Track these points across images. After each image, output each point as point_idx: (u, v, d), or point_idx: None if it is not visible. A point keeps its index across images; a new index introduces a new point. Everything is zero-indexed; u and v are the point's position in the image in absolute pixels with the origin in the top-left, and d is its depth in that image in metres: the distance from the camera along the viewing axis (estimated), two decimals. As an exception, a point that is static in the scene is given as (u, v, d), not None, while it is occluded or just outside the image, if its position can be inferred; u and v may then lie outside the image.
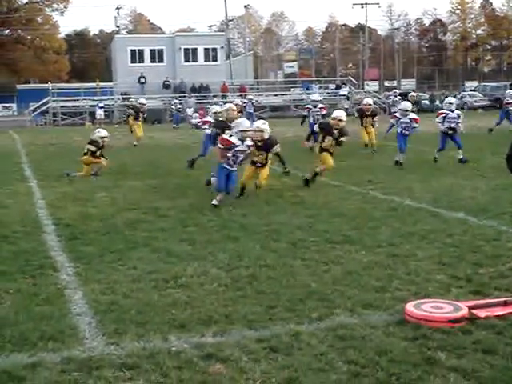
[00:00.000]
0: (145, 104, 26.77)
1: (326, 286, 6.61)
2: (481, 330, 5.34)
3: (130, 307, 6.02)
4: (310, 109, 22.20)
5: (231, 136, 11.36)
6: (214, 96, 52.20)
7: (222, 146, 11.30)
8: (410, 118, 16.68)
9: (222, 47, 57.16)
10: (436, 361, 4.77)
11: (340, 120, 12.81)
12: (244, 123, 11.53)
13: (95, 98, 49.78)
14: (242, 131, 11.32)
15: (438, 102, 53.33)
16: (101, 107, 46.47)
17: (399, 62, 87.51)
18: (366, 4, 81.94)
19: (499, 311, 5.70)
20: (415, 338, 5.19)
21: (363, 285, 6.65)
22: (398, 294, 6.35)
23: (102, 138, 16.29)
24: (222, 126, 13.01)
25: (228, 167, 11.28)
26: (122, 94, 51.06)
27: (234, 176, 11.46)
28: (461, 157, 16.43)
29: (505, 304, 5.83)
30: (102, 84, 56.66)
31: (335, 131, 12.81)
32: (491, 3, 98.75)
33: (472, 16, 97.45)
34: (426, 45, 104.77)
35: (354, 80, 62.01)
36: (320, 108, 22.31)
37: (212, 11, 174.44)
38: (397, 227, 9.27)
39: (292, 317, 5.72)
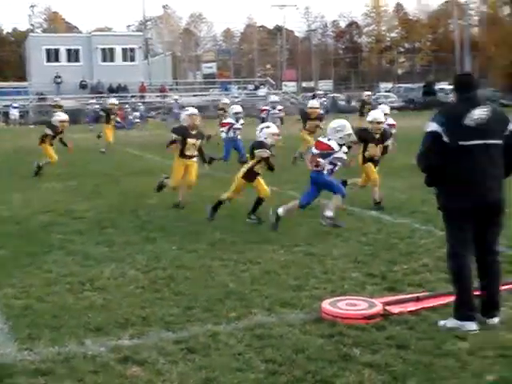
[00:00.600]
0: (116, 104, 24.21)
1: (244, 285, 6.65)
2: (394, 326, 5.47)
3: (44, 311, 5.90)
4: (269, 111, 20.87)
5: (330, 140, 9.39)
6: (132, 96, 51.74)
7: (317, 152, 9.39)
8: (388, 124, 14.94)
9: (140, 47, 56.79)
10: (351, 357, 4.85)
11: (379, 122, 11.05)
12: (347, 125, 9.56)
13: (9, 97, 48.55)
14: (348, 135, 9.49)
15: (354, 103, 54.41)
16: (15, 107, 45.38)
17: (316, 64, 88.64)
18: (283, 6, 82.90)
19: (412, 307, 5.85)
20: (331, 336, 5.27)
21: (281, 284, 6.71)
22: (315, 292, 6.43)
23: (62, 121, 15.81)
24: (183, 132, 11.32)
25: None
26: (37, 94, 49.99)
27: (335, 182, 9.58)
28: None
29: (417, 300, 5.99)
30: (16, 83, 55.32)
31: (377, 135, 11.04)
32: (404, 7, 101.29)
33: (386, 19, 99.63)
34: (343, 47, 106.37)
35: (272, 81, 62.59)
36: (279, 110, 21.48)
37: (130, 11, 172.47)
38: (314, 226, 9.39)
39: (210, 317, 5.72)
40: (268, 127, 10.02)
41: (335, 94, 60.66)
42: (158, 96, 52.79)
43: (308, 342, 5.13)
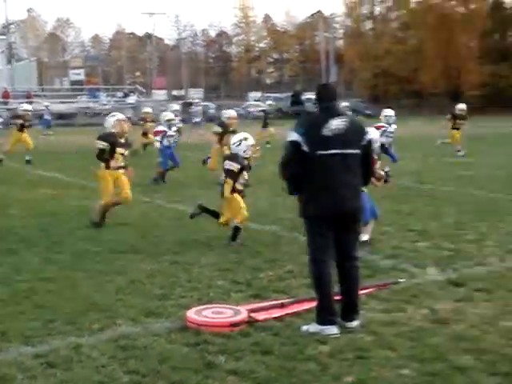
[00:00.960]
0: (30, 110, 21.59)
1: (109, 296, 6.53)
2: (259, 332, 5.54)
3: None
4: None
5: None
6: (-5, 102, 49.82)
7: None
8: None
9: (3, 51, 54.81)
10: (216, 365, 4.87)
11: None
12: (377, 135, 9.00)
13: None
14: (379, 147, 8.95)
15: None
16: None
17: (186, 72, 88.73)
18: (153, 13, 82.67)
19: (276, 313, 5.95)
20: (197, 344, 5.27)
21: (146, 293, 6.65)
22: (181, 301, 6.42)
23: None
24: (112, 140, 10.11)
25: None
26: None
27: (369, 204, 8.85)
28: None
29: (282, 306, 6.10)
30: None
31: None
32: (272, 18, 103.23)
33: (255, 30, 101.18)
34: (213, 55, 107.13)
35: (141, 88, 62.09)
36: (180, 120, 20.52)
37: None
38: (181, 235, 9.38)
39: (72, 330, 5.58)
40: (246, 139, 9.21)
41: (206, 103, 60.88)
42: (22, 103, 51.05)
43: (173, 352, 5.10)
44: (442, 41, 66.08)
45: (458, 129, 22.15)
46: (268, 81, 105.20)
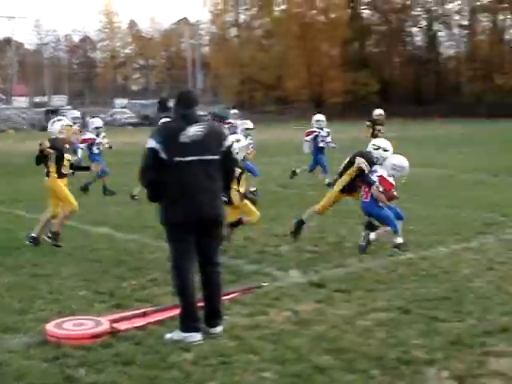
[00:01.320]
0: None
1: (-38, 313, 6.23)
2: (121, 342, 5.45)
3: None
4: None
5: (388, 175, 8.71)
6: None
7: (382, 190, 8.58)
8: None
9: None
10: (76, 378, 4.75)
11: (385, 150, 9.14)
12: (407, 167, 8.85)
13: None
14: (402, 177, 8.86)
15: (88, 118, 53.82)
16: None
17: (49, 78, 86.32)
18: (12, 17, 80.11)
19: (139, 322, 5.88)
20: (56, 358, 5.11)
21: (5, 307, 6.41)
22: (41, 314, 6.21)
23: None
24: (60, 146, 9.33)
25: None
26: None
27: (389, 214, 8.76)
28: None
29: (144, 315, 6.03)
30: None
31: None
32: (137, 24, 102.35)
33: (120, 35, 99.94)
34: (76, 61, 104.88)
35: (1, 95, 59.93)
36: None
37: None
38: (41, 246, 9.09)
39: None
40: (238, 141, 8.94)
41: (72, 110, 59.59)
42: None
43: (31, 367, 4.93)
44: (305, 49, 67.80)
45: (377, 136, 21.67)
46: (134, 87, 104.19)
